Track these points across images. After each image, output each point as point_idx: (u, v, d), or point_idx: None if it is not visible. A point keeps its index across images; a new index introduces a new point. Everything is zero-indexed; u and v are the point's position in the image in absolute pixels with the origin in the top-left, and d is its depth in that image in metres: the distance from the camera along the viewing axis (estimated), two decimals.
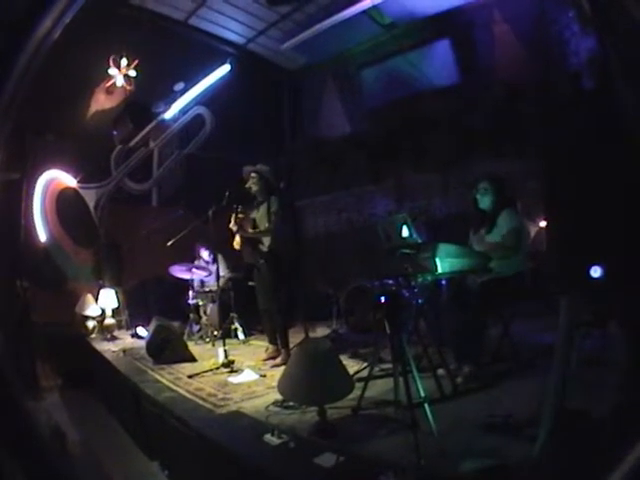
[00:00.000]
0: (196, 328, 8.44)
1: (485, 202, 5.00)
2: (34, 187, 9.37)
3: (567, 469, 2.31)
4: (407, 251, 4.17)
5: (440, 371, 4.33)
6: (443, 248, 4.22)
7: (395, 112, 9.66)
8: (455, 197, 8.90)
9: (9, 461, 1.45)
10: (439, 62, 9.15)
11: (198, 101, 10.11)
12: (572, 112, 2.50)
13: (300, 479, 2.97)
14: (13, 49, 1.54)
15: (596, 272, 2.19)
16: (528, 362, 4.65)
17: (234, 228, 6.11)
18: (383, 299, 3.39)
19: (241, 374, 5.56)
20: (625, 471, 1.43)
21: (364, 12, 9.08)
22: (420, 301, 4.74)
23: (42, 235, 9.40)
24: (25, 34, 1.56)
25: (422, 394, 3.41)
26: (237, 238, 6.22)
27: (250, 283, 6.76)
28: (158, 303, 8.95)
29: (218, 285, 6.89)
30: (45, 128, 8.66)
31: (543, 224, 6.13)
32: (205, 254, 8.68)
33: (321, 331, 7.84)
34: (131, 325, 9.06)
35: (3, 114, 1.62)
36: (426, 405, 3.36)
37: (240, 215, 6.11)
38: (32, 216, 9.28)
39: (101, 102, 9.67)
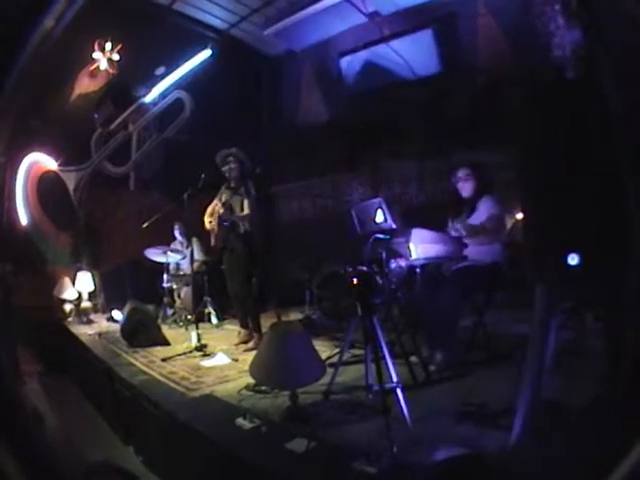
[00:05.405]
0: (170, 312, 8.39)
1: (465, 189, 4.97)
2: (17, 170, 9.31)
3: (542, 458, 2.31)
4: (381, 236, 4.17)
5: (413, 358, 4.33)
6: (417, 234, 4.22)
7: (374, 100, 9.62)
8: (432, 185, 8.95)
9: None
10: (421, 52, 9.07)
11: (178, 85, 10.04)
12: (551, 102, 2.48)
13: (272, 464, 2.97)
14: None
15: (573, 260, 2.18)
16: (503, 353, 4.58)
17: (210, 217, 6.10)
18: (355, 280, 3.38)
19: (214, 358, 5.57)
20: (625, 471, 1.43)
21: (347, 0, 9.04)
22: (393, 287, 4.73)
23: (23, 218, 9.36)
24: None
25: (394, 379, 3.37)
26: (208, 218, 6.18)
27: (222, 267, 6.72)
28: (134, 286, 8.88)
29: (192, 269, 6.85)
30: (29, 113, 8.55)
31: (519, 216, 6.14)
32: (178, 234, 8.69)
33: (294, 317, 7.84)
34: (107, 308, 9.04)
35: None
36: (398, 391, 3.32)
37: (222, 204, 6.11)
38: (14, 199, 9.22)
39: (85, 85, 9.59)
